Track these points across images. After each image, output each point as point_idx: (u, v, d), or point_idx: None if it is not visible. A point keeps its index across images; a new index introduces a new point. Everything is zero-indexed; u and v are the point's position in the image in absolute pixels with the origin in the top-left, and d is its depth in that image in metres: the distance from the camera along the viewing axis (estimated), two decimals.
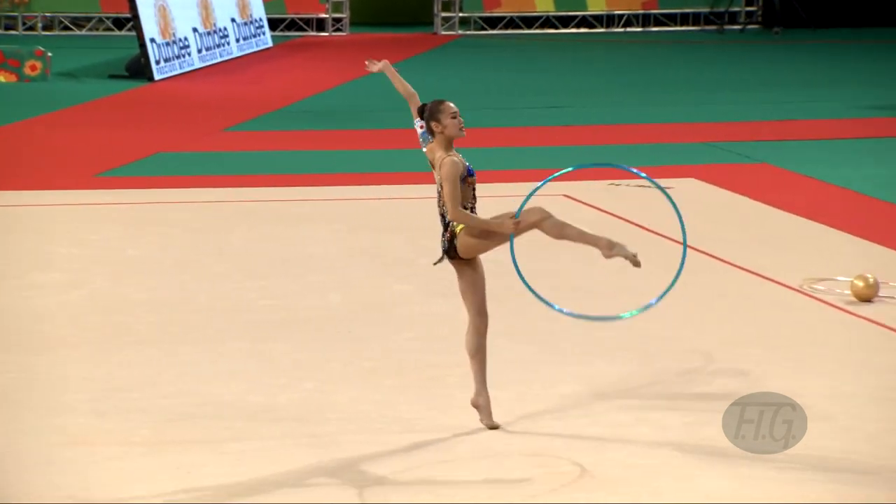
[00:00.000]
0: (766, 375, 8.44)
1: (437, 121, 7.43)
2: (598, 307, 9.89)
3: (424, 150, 7.59)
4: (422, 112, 7.56)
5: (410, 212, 12.95)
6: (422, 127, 7.63)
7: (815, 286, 10.34)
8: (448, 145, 7.45)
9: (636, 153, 16.02)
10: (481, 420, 7.54)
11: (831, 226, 12.30)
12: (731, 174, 14.43)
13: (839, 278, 10.44)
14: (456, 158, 7.42)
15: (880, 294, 10.04)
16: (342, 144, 16.69)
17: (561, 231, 7.33)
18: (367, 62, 8.02)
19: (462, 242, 7.41)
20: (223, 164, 15.45)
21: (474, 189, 7.49)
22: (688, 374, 8.37)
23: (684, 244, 7.54)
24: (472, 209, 7.46)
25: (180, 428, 7.60)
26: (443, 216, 7.48)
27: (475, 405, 7.55)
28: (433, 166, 7.48)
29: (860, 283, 10.01)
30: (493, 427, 7.52)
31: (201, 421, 7.70)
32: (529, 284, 7.34)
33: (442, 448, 7.34)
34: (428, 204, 13.49)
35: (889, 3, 29.26)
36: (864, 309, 9.84)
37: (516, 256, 7.35)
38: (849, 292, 10.07)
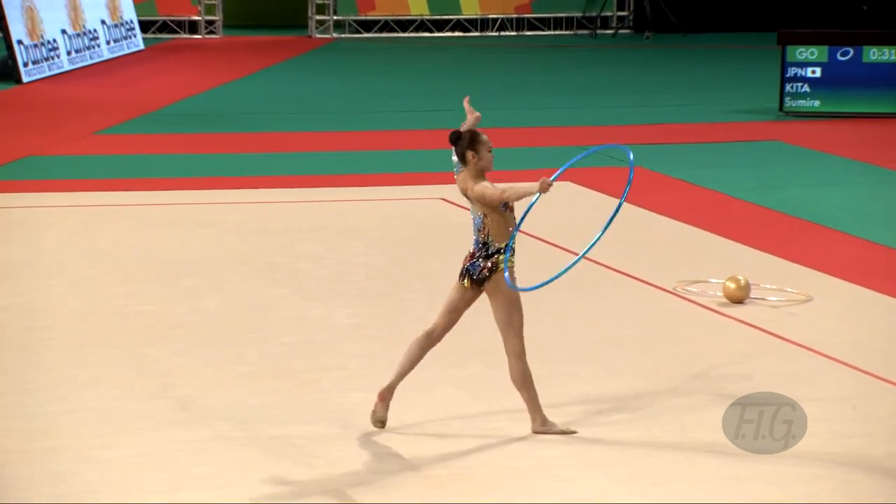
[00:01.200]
0: (641, 377, 8.50)
1: (476, 151, 7.57)
2: None
3: (457, 177, 7.66)
4: (455, 140, 7.58)
5: (284, 215, 12.87)
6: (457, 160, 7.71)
7: (688, 288, 10.45)
8: (480, 175, 7.59)
9: (510, 156, 16.07)
10: (374, 412, 7.53)
11: (703, 228, 12.44)
12: (605, 177, 14.52)
13: (712, 280, 10.55)
14: (488, 183, 7.55)
15: (752, 295, 10.17)
16: (214, 148, 16.55)
17: (520, 381, 7.53)
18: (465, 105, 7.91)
19: (499, 289, 7.47)
20: (94, 168, 15.24)
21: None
22: (563, 376, 8.40)
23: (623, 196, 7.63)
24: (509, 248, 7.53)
25: (50, 435, 7.47)
26: (485, 245, 7.53)
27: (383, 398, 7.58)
28: (465, 196, 7.60)
29: (732, 285, 10.13)
30: (382, 421, 7.51)
31: (72, 427, 7.57)
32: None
33: (319, 452, 7.30)
34: (302, 207, 13.45)
35: (757, 8, 29.73)
36: (737, 310, 9.96)
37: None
38: (721, 294, 10.19)
